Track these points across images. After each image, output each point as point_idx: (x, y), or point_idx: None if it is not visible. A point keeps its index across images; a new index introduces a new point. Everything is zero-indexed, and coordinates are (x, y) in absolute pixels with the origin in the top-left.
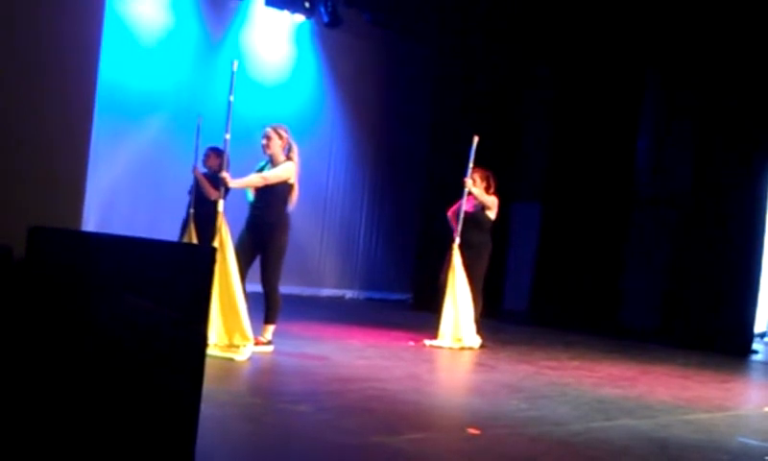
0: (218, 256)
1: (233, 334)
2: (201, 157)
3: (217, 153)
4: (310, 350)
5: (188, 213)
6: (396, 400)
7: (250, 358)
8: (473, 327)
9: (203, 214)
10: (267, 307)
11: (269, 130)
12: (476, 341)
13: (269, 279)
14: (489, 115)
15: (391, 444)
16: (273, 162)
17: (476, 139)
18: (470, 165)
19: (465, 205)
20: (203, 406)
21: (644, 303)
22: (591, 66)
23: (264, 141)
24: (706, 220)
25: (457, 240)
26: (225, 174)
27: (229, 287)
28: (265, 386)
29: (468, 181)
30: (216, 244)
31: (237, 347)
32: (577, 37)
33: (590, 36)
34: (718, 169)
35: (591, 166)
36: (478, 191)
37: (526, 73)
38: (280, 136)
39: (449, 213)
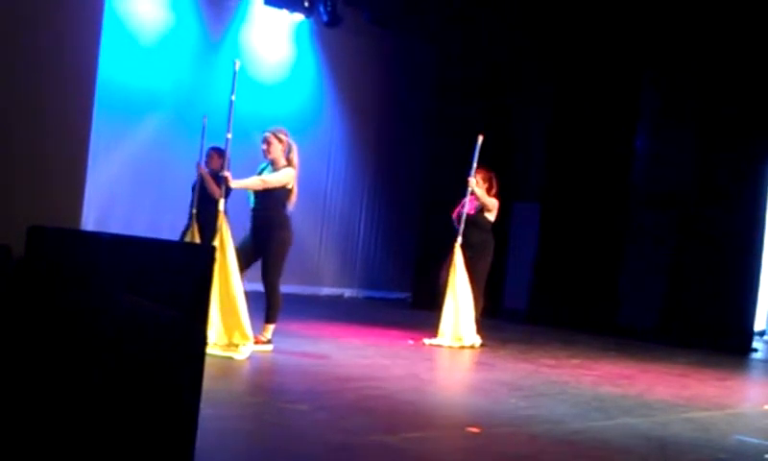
0: (218, 256)
1: (233, 333)
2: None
3: (219, 153)
4: (309, 349)
5: (191, 213)
6: (395, 398)
7: (249, 357)
8: (473, 326)
9: (205, 214)
10: (267, 307)
11: (268, 134)
12: (476, 340)
13: (269, 278)
14: (488, 115)
15: (390, 442)
16: (274, 166)
17: (481, 139)
18: (474, 165)
19: (467, 205)
20: (202, 406)
21: (643, 302)
22: (590, 67)
23: (264, 146)
24: (705, 219)
25: (459, 240)
26: (226, 173)
27: (229, 286)
28: (264, 385)
29: (472, 181)
30: (216, 243)
31: (237, 346)
32: (576, 38)
33: (591, 36)
34: (717, 169)
35: (590, 166)
36: (480, 192)
37: (526, 73)
38: (280, 140)
39: (454, 215)
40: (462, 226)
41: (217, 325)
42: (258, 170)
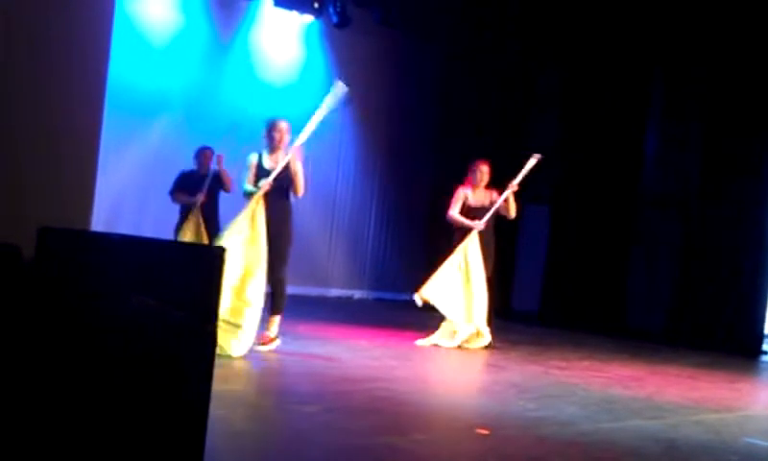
0: (251, 235)
1: (241, 313)
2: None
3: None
4: (318, 350)
5: (193, 202)
6: (403, 400)
7: (247, 356)
8: (485, 316)
9: (209, 210)
10: (276, 296)
11: (288, 124)
12: (487, 337)
13: (281, 269)
14: (498, 117)
15: (398, 444)
16: (271, 152)
17: (536, 158)
18: (517, 181)
19: (502, 200)
20: (211, 407)
21: (653, 304)
22: (599, 68)
23: (285, 136)
24: (714, 221)
25: (481, 225)
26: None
27: (255, 267)
28: (272, 387)
29: (514, 186)
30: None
31: (239, 327)
32: (585, 38)
33: (598, 37)
34: (726, 170)
35: (601, 169)
36: (512, 201)
37: (535, 75)
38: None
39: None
40: (484, 221)
41: (230, 298)
42: (253, 162)
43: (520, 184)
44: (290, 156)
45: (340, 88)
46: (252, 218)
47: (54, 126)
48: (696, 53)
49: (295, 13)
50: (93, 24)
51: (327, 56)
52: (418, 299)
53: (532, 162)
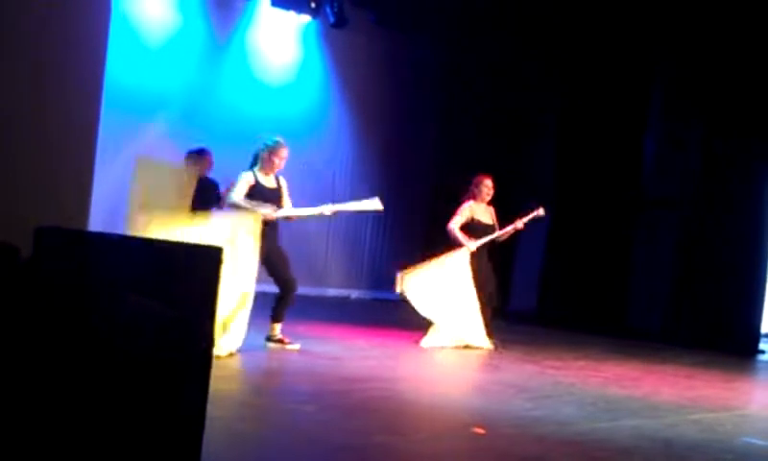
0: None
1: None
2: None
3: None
4: (316, 349)
5: None
6: (401, 400)
7: (245, 356)
8: (483, 332)
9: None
10: (287, 304)
11: (288, 151)
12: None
13: (288, 270)
14: (496, 116)
15: (396, 444)
16: (266, 174)
17: (540, 212)
18: (522, 223)
19: (504, 233)
20: (208, 407)
21: (650, 304)
22: (599, 68)
23: (283, 163)
24: (712, 221)
25: (473, 247)
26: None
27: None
28: (270, 386)
29: (519, 225)
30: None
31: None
32: (585, 38)
33: (598, 37)
34: (724, 171)
35: (599, 168)
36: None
37: (534, 71)
38: None
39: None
40: (477, 244)
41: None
42: (243, 178)
43: (525, 224)
44: (317, 212)
45: (376, 204)
46: (249, 234)
47: (51, 126)
48: (696, 53)
49: (292, 13)
50: (90, 24)
51: (324, 56)
52: (398, 285)
53: (540, 213)
